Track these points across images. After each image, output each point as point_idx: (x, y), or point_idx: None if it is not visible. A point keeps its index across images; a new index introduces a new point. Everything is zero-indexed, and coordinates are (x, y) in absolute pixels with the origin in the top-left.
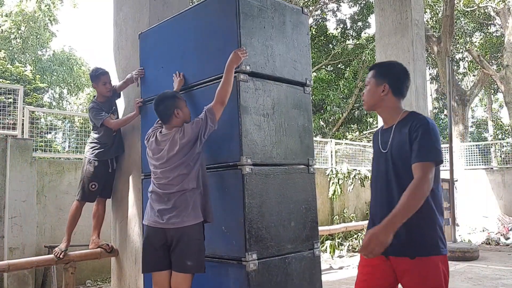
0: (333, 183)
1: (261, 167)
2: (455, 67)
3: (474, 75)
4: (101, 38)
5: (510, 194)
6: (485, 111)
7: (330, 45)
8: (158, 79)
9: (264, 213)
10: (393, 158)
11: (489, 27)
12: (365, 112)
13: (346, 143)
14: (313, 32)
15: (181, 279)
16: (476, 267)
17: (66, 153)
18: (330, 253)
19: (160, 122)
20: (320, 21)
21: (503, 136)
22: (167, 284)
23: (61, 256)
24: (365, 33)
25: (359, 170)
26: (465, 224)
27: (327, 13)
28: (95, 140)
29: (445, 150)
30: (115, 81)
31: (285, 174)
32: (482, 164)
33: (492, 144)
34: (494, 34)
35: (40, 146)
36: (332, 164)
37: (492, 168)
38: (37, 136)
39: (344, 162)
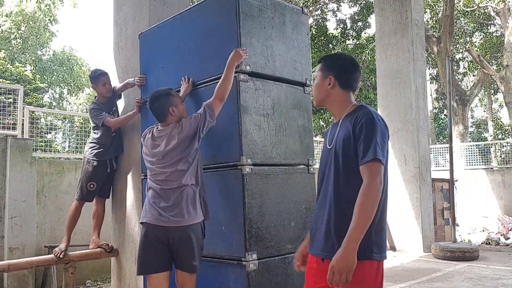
0: None
1: (261, 167)
2: (455, 67)
3: (474, 75)
4: (101, 38)
5: (510, 194)
6: (485, 111)
7: (330, 45)
8: (158, 79)
9: (264, 213)
10: (336, 155)
11: (489, 27)
12: None
13: None
14: (313, 32)
15: (189, 279)
16: (476, 267)
17: (66, 153)
18: None
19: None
20: (320, 21)
21: (503, 136)
22: (166, 286)
23: (61, 256)
24: (365, 33)
25: None
26: (465, 224)
27: (327, 13)
28: (95, 140)
29: (445, 150)
30: (115, 81)
31: (285, 174)
32: (482, 164)
33: (492, 144)
34: (494, 34)
35: (40, 146)
36: None
37: (492, 168)
38: (37, 136)
39: None
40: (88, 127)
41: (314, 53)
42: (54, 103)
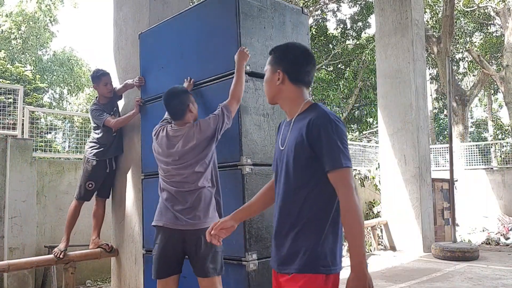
0: None
1: (261, 167)
2: (455, 67)
3: (474, 75)
4: (101, 38)
5: (510, 194)
6: (484, 111)
7: (330, 45)
8: (158, 79)
9: (264, 213)
10: (287, 161)
11: (489, 27)
12: (365, 112)
13: None
14: (313, 32)
15: (210, 283)
16: (476, 267)
17: (66, 153)
18: None
19: (167, 119)
20: (320, 21)
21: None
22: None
23: (60, 256)
24: (365, 33)
25: (359, 170)
26: (465, 224)
27: (327, 13)
28: (95, 140)
29: (445, 150)
30: (115, 81)
31: None
32: (482, 164)
33: (492, 144)
34: (494, 34)
35: (40, 146)
36: None
37: (492, 168)
38: (37, 136)
39: None
40: (88, 127)
41: (314, 53)
42: (54, 103)
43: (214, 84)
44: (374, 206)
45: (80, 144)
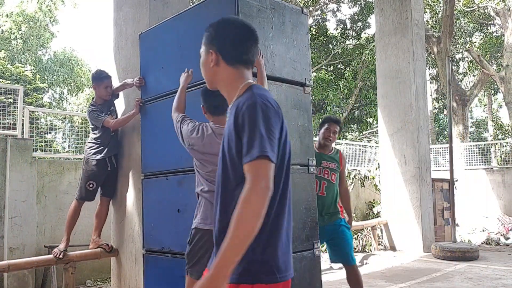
0: None
1: None
2: (455, 67)
3: (474, 75)
4: (101, 38)
5: (510, 194)
6: (484, 111)
7: (330, 45)
8: (158, 79)
9: None
10: (223, 154)
11: (489, 27)
12: (365, 112)
13: (346, 143)
14: (313, 32)
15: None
16: (476, 267)
17: (66, 153)
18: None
19: (187, 117)
20: (320, 21)
21: (503, 136)
22: None
23: (60, 256)
24: (365, 33)
25: (359, 170)
26: (465, 224)
27: (327, 13)
28: (94, 140)
29: (445, 150)
30: (115, 81)
31: None
32: (482, 164)
33: (492, 144)
34: (494, 34)
35: (40, 146)
36: None
37: (492, 168)
38: (37, 136)
39: None
40: (88, 127)
41: (314, 53)
42: (54, 103)
43: None
44: (374, 206)
45: (80, 144)
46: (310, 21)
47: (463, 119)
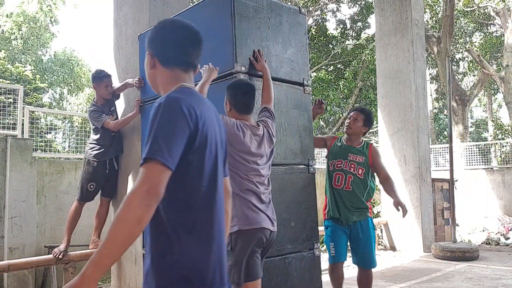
0: None
1: None
2: (455, 67)
3: (474, 75)
4: (101, 38)
5: (510, 194)
6: (484, 111)
7: (330, 45)
8: None
9: None
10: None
11: (489, 27)
12: None
13: None
14: (313, 33)
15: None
16: (476, 267)
17: (66, 153)
18: None
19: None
20: (320, 21)
21: (503, 136)
22: None
23: (60, 257)
24: (364, 34)
25: None
26: (465, 224)
27: (326, 13)
28: (94, 141)
29: (445, 150)
30: (115, 81)
31: (285, 174)
32: (482, 164)
33: (492, 144)
34: (494, 34)
35: (40, 146)
36: None
37: (492, 168)
38: (37, 136)
39: None
40: (88, 127)
41: (314, 53)
42: (54, 103)
43: (213, 84)
44: (374, 206)
45: (80, 144)
46: (310, 21)
47: (463, 119)
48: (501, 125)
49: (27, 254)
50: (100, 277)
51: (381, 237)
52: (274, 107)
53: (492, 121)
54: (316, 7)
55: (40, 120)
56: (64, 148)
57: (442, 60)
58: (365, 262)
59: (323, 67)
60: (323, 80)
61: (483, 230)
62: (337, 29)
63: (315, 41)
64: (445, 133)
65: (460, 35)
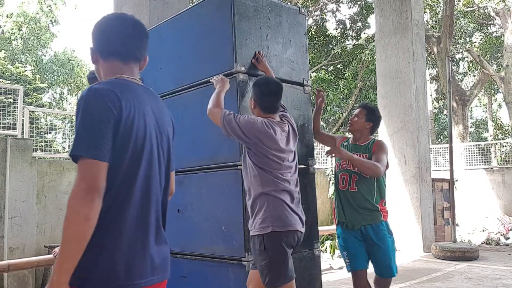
0: (333, 183)
1: None
2: (455, 67)
3: (474, 75)
4: None
5: (510, 194)
6: (484, 111)
7: (329, 45)
8: (156, 80)
9: None
10: None
11: (489, 27)
12: None
13: None
14: (313, 33)
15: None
16: (476, 267)
17: (66, 153)
18: (330, 253)
19: (234, 113)
20: (319, 21)
21: (503, 136)
22: None
23: None
24: (364, 34)
25: None
26: (465, 224)
27: (326, 13)
28: None
29: (445, 150)
30: None
31: None
32: (482, 164)
33: (492, 144)
34: (494, 34)
35: (40, 146)
36: (332, 164)
37: (492, 168)
38: (37, 136)
39: None
40: None
41: (314, 54)
42: (54, 103)
43: (211, 85)
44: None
45: None
46: (310, 21)
47: (463, 119)
48: (501, 125)
49: (27, 254)
50: (67, 279)
51: None
52: None
53: (492, 121)
54: (316, 7)
55: (40, 120)
56: (64, 148)
57: (442, 60)
58: (381, 271)
59: (323, 67)
60: (323, 80)
61: (483, 230)
62: (337, 29)
63: (315, 41)
64: (445, 133)
65: (460, 35)
